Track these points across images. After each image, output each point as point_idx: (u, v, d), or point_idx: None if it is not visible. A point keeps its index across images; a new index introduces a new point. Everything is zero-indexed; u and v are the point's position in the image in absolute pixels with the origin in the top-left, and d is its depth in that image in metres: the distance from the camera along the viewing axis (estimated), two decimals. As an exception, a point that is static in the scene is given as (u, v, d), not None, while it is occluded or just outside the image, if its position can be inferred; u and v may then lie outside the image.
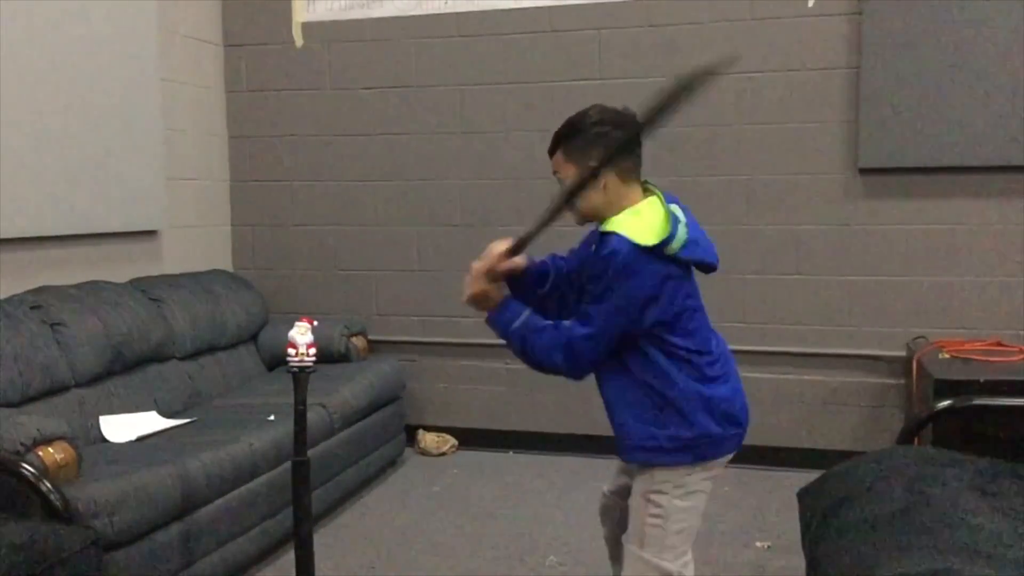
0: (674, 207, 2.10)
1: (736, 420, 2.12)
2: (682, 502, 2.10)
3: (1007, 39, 3.88)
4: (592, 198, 2.10)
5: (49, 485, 2.38)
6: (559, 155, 2.16)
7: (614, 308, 2.00)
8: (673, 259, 2.02)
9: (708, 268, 2.14)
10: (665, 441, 2.07)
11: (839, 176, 4.19)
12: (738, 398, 2.15)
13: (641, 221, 2.03)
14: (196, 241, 4.69)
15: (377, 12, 4.66)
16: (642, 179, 2.16)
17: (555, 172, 2.18)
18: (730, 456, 2.16)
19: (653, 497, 2.11)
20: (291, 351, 2.55)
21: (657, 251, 1.99)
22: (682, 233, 2.02)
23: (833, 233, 4.22)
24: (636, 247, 1.98)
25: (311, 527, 2.72)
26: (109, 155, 3.96)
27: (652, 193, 2.15)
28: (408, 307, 4.78)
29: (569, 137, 2.13)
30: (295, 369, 2.56)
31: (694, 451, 2.08)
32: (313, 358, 2.57)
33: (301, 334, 2.54)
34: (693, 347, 2.07)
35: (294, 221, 4.89)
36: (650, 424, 2.08)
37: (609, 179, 2.08)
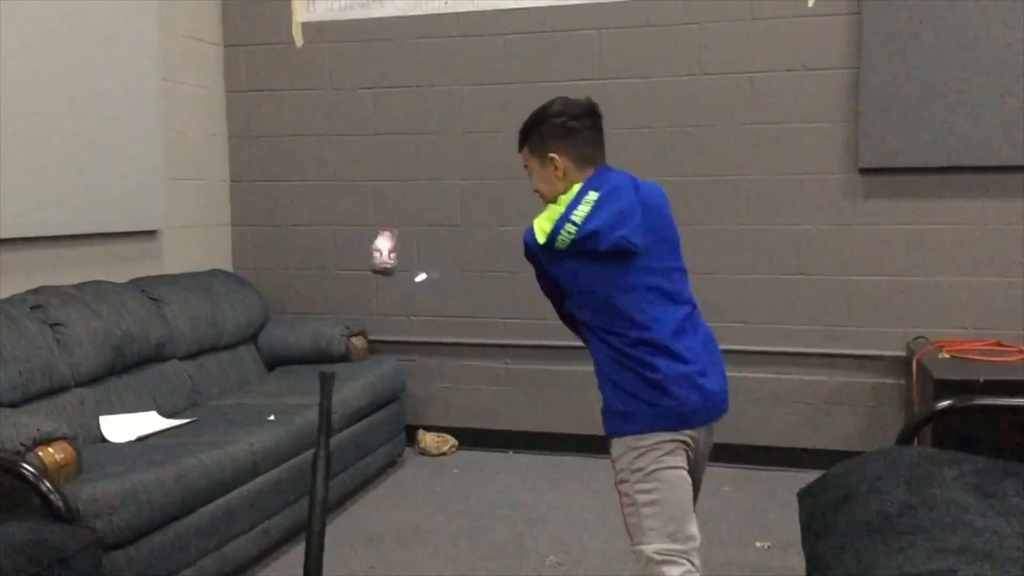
0: (591, 195, 2.10)
1: (650, 402, 2.09)
2: (643, 484, 2.12)
3: (1007, 39, 3.88)
4: (555, 185, 2.19)
5: (49, 485, 2.38)
6: (525, 150, 2.24)
7: (539, 279, 2.27)
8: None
9: (624, 251, 2.10)
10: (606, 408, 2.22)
11: (839, 176, 4.19)
12: (669, 383, 2.09)
13: (551, 213, 2.14)
14: (196, 241, 4.69)
15: (377, 12, 4.66)
16: (600, 164, 2.21)
17: (525, 166, 2.27)
18: (673, 434, 2.11)
19: (620, 487, 2.18)
20: (376, 254, 2.57)
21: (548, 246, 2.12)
22: (567, 231, 2.08)
23: (833, 233, 4.22)
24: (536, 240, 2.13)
25: (324, 523, 2.70)
26: (109, 155, 3.96)
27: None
28: (408, 307, 4.78)
29: (531, 130, 2.22)
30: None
31: (609, 422, 2.18)
32: (394, 262, 2.60)
33: (385, 240, 2.58)
34: (604, 327, 2.13)
35: (294, 221, 4.89)
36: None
37: (567, 166, 2.17)
